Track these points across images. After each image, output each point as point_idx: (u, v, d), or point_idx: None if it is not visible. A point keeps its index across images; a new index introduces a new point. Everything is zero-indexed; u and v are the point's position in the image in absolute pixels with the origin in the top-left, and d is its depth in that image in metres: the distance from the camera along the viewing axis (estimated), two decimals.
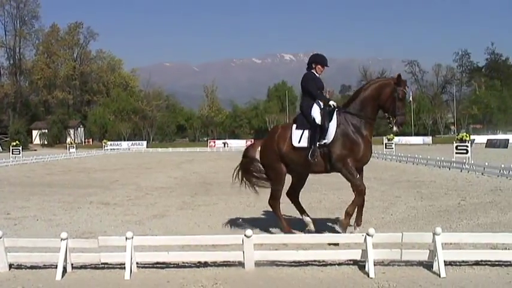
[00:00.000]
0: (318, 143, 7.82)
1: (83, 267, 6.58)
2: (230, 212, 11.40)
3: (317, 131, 7.85)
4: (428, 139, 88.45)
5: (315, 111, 8.04)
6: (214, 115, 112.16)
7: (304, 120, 8.08)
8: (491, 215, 10.33)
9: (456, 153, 25.30)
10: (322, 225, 9.21)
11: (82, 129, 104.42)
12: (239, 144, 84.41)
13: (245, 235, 6.28)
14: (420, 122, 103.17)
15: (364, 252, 6.21)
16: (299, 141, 7.96)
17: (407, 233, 6.50)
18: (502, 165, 19.29)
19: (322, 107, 8.13)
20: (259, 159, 8.56)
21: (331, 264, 6.48)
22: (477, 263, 6.30)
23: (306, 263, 6.48)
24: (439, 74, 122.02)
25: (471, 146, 26.42)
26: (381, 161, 33.28)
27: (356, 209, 7.97)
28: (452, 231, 7.91)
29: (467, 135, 26.92)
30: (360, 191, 7.90)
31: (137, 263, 6.43)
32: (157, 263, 6.59)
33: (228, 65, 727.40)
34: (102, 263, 6.52)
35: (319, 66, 8.54)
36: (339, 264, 6.48)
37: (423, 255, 6.29)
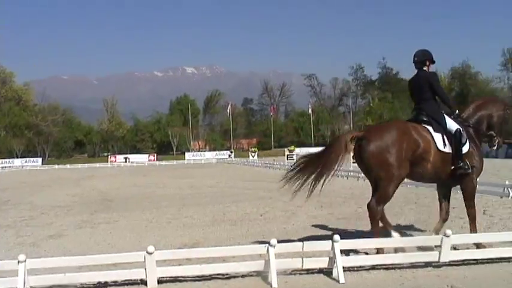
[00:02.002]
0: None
1: None
2: (132, 229, 11.10)
3: (458, 138, 7.40)
4: None
5: (446, 117, 7.64)
6: (114, 129, 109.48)
7: (438, 125, 7.51)
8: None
9: (353, 162, 26.26)
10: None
11: None
12: (141, 159, 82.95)
13: (147, 252, 6.14)
14: (319, 133, 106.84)
15: (267, 263, 6.28)
16: (444, 146, 7.39)
17: (307, 242, 6.66)
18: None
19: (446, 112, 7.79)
20: (372, 153, 7.11)
21: (234, 277, 6.48)
22: (373, 268, 6.57)
23: (210, 277, 6.44)
24: (336, 87, 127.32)
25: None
26: (283, 172, 33.79)
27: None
28: (350, 238, 8.20)
29: None
30: (475, 211, 7.77)
31: None
32: (54, 286, 6.27)
33: (129, 78, 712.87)
34: None
35: (431, 64, 8.00)
36: (243, 276, 6.50)
37: (323, 263, 6.46)
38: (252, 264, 6.49)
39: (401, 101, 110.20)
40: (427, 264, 6.63)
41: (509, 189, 13.47)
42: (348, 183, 21.39)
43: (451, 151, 7.39)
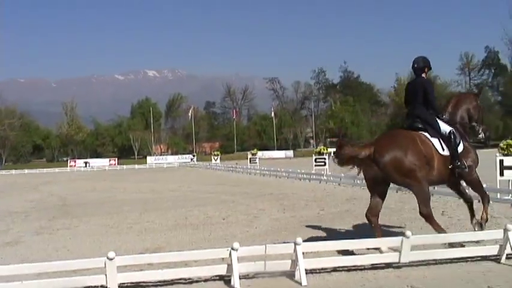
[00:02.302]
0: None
1: None
2: (92, 235, 10.90)
3: (452, 140, 7.74)
4: (290, 153, 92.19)
5: (439, 121, 7.97)
6: (74, 133, 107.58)
7: (433, 130, 7.83)
8: (347, 222, 10.95)
9: (315, 165, 26.50)
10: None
11: None
12: (102, 164, 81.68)
13: (107, 257, 6.03)
14: (282, 137, 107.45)
15: (230, 267, 6.25)
16: (443, 150, 7.69)
17: (270, 245, 6.67)
18: (356, 176, 20.54)
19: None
20: (391, 164, 7.27)
21: (197, 281, 6.44)
22: (335, 270, 6.62)
23: (172, 282, 6.37)
24: (298, 90, 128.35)
25: (329, 158, 27.82)
26: (245, 176, 34.00)
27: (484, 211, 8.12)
28: (312, 241, 8.24)
29: (325, 148, 28.34)
30: (488, 196, 8.30)
31: None
32: None
33: (88, 81, 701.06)
34: None
35: (429, 71, 8.41)
36: (205, 280, 6.46)
37: (286, 266, 6.47)
38: (214, 269, 6.46)
39: (363, 104, 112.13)
40: (388, 265, 6.72)
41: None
42: (310, 186, 21.56)
43: (448, 153, 7.70)
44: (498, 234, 6.95)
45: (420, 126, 7.87)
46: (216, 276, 6.47)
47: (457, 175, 7.82)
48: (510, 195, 12.29)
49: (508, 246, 6.64)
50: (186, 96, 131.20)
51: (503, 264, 6.65)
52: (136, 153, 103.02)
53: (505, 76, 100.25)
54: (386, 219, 11.11)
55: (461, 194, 8.54)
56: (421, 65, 8.23)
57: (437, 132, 7.80)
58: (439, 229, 7.45)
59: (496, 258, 6.79)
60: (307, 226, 10.73)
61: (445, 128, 7.88)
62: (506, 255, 6.71)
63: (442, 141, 7.72)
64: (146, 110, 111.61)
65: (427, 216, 7.45)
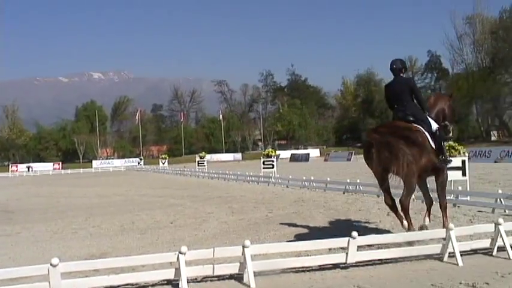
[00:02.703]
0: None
1: None
2: (35, 241, 10.57)
3: (441, 135, 8.29)
4: (239, 155, 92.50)
5: (428, 117, 8.34)
6: (16, 137, 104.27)
7: (424, 124, 8.14)
8: (295, 224, 11.03)
9: (263, 168, 26.64)
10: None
11: None
12: (45, 168, 79.53)
13: (51, 264, 5.85)
14: (230, 140, 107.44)
15: (178, 271, 6.19)
16: (433, 143, 8.08)
17: (218, 248, 6.64)
18: (304, 178, 20.84)
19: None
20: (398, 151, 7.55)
21: (144, 286, 6.33)
22: (284, 271, 6.65)
23: None
24: (247, 93, 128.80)
25: (277, 160, 28.05)
26: (194, 179, 33.81)
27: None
28: (260, 243, 8.26)
29: (273, 150, 28.53)
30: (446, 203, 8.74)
31: None
32: None
33: (30, 84, 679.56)
34: None
35: (405, 71, 8.81)
36: (153, 285, 6.36)
37: (234, 268, 6.45)
38: (162, 273, 6.37)
39: (310, 107, 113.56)
40: (335, 266, 6.81)
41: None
42: (259, 189, 21.64)
43: (435, 147, 8.12)
44: (441, 233, 7.17)
45: (412, 119, 8.19)
46: (164, 280, 6.39)
47: (437, 169, 8.27)
48: (452, 195, 12.67)
49: (450, 245, 6.85)
50: (133, 99, 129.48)
51: (446, 262, 6.85)
52: (81, 157, 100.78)
53: (447, 79, 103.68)
54: (334, 221, 11.30)
55: (427, 193, 8.86)
56: (400, 66, 8.58)
57: (427, 126, 8.15)
58: (407, 219, 7.90)
59: (439, 257, 6.99)
60: (256, 228, 10.76)
61: (433, 124, 8.31)
62: (449, 253, 6.91)
63: (431, 136, 8.09)
64: (91, 113, 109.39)
65: (405, 208, 7.82)
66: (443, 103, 9.08)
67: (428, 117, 8.37)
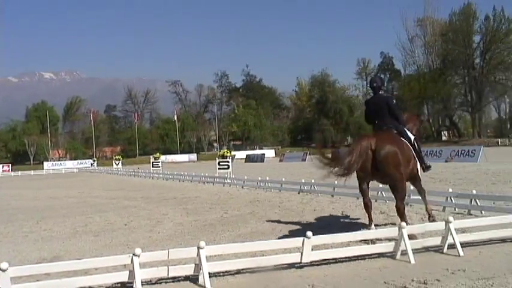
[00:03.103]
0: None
1: None
2: None
3: (418, 145, 8.99)
4: (194, 156, 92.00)
5: (406, 130, 9.01)
6: None
7: (405, 136, 8.82)
8: (250, 224, 11.07)
9: (219, 168, 26.61)
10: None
11: None
12: None
13: (0, 269, 5.68)
14: (185, 140, 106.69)
15: (132, 273, 6.11)
16: (414, 152, 8.80)
17: (173, 250, 6.59)
18: (259, 178, 20.92)
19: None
20: (389, 158, 8.21)
21: None
22: (239, 272, 6.67)
23: None
24: (202, 93, 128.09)
25: (232, 161, 28.07)
26: (148, 180, 33.45)
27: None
28: (216, 244, 8.25)
29: (229, 151, 28.56)
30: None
31: None
32: None
33: None
34: None
35: (383, 88, 9.49)
36: None
37: (189, 270, 6.42)
38: (116, 276, 6.28)
39: (265, 108, 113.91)
40: (291, 266, 6.86)
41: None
42: (214, 189, 21.59)
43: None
44: (393, 232, 7.32)
45: (395, 131, 8.86)
46: (118, 283, 6.31)
47: (419, 175, 9.08)
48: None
49: (402, 243, 7.00)
50: (86, 99, 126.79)
51: (398, 260, 7.00)
52: (32, 159, 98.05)
53: (399, 80, 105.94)
54: (289, 221, 11.38)
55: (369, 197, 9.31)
56: (379, 84, 9.30)
57: (409, 139, 8.83)
58: (404, 221, 8.13)
59: (392, 255, 7.14)
60: (211, 229, 10.74)
61: (410, 135, 8.97)
62: (401, 251, 7.07)
63: (412, 146, 8.78)
64: (42, 113, 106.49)
65: (402, 212, 8.29)
66: (413, 123, 9.74)
67: (406, 130, 9.03)
